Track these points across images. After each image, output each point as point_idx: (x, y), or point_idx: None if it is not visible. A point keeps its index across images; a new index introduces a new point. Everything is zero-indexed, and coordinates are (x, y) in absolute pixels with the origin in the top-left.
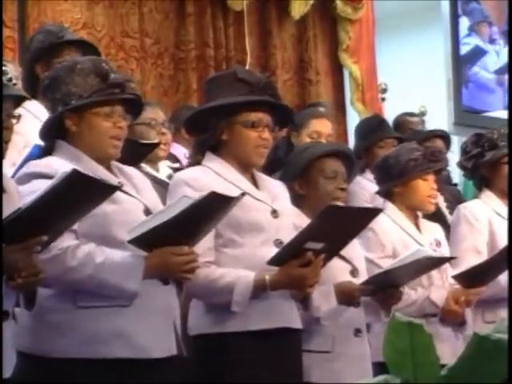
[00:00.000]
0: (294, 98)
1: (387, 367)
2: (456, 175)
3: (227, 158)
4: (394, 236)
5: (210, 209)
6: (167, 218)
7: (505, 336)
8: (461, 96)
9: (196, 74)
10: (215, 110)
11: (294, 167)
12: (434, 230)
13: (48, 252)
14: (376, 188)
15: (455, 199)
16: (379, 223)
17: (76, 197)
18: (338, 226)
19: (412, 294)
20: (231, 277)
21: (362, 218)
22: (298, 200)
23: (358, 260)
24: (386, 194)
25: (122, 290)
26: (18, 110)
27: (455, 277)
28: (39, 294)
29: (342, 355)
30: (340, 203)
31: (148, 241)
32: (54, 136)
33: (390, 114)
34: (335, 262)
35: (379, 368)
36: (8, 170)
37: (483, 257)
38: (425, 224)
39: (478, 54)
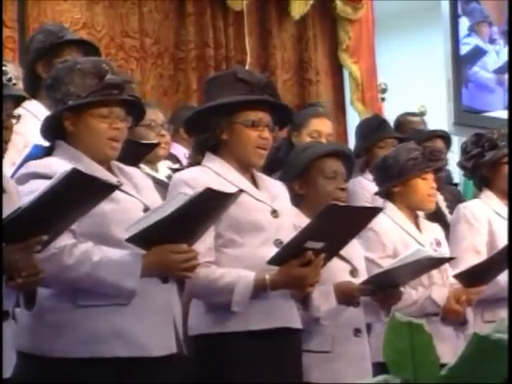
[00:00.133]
0: (293, 97)
1: (387, 367)
2: (456, 175)
3: (227, 158)
4: (395, 236)
5: (207, 206)
6: (164, 215)
7: (505, 336)
8: (461, 96)
9: (196, 74)
10: (215, 109)
11: (293, 167)
12: (433, 229)
13: (45, 251)
14: (376, 188)
15: (455, 199)
16: (379, 223)
17: (76, 196)
18: (338, 225)
19: (413, 293)
20: (231, 277)
21: (362, 218)
22: (297, 200)
23: (357, 260)
24: (386, 194)
25: (120, 288)
26: (18, 110)
27: (456, 276)
28: (39, 294)
29: (341, 355)
30: (340, 203)
31: (146, 239)
32: (54, 136)
33: (389, 114)
34: (335, 262)
35: (380, 368)
36: (8, 170)
37: (482, 257)
38: (425, 224)
39: (477, 54)
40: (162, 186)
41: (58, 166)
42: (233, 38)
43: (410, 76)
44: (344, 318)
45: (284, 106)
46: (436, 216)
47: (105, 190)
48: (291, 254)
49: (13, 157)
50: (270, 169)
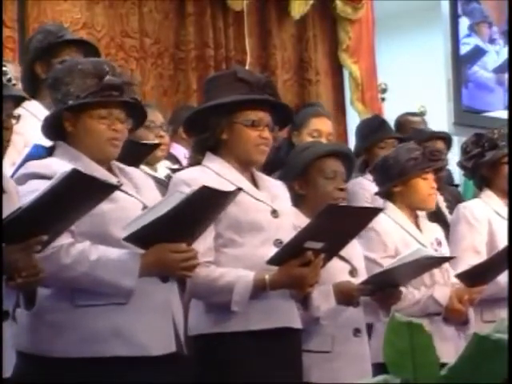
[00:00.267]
0: (293, 97)
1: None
2: (456, 175)
3: (227, 158)
4: (396, 236)
5: (205, 204)
6: (160, 213)
7: (505, 336)
8: (461, 96)
9: (196, 74)
10: (215, 109)
11: (293, 167)
12: (434, 229)
13: (42, 251)
14: (377, 189)
15: (455, 199)
16: (380, 223)
17: (75, 196)
18: (337, 225)
19: (415, 293)
20: (231, 276)
21: (361, 218)
22: (297, 200)
23: (357, 260)
24: (386, 194)
25: (118, 287)
26: (18, 110)
27: (458, 275)
28: (38, 294)
29: (341, 355)
30: (340, 203)
31: (143, 238)
32: (55, 136)
33: (389, 114)
34: (334, 262)
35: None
36: (8, 170)
37: (482, 257)
38: (425, 224)
39: (477, 54)
40: (162, 186)
41: (58, 166)
42: (233, 38)
43: (410, 76)
44: (344, 317)
45: (284, 106)
46: (436, 216)
47: (105, 190)
48: (291, 253)
49: (13, 157)
50: (269, 169)
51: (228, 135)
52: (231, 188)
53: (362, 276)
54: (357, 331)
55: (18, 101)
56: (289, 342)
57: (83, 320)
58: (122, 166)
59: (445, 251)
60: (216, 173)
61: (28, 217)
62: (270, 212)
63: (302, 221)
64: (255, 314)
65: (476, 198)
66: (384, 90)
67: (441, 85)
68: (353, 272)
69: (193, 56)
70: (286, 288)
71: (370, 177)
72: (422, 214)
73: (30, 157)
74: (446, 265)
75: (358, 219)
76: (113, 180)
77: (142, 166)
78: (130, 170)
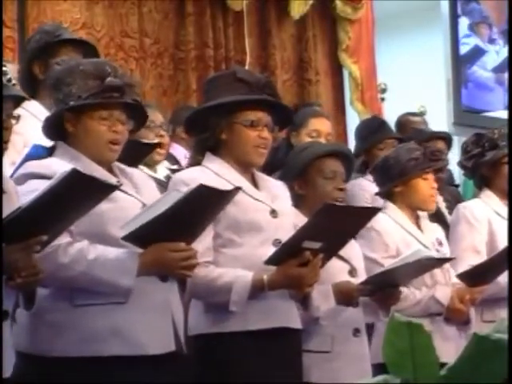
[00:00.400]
0: (293, 98)
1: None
2: (456, 175)
3: (227, 158)
4: (397, 236)
5: (202, 203)
6: (158, 212)
7: (504, 336)
8: (460, 96)
9: (195, 74)
10: (214, 109)
11: (293, 167)
12: (435, 229)
13: (42, 251)
14: (377, 189)
15: (454, 199)
16: (381, 224)
17: (75, 196)
18: (335, 224)
19: (417, 293)
20: (229, 276)
21: (360, 217)
22: (297, 200)
23: (356, 260)
24: (387, 194)
25: (117, 286)
26: (18, 111)
27: (459, 275)
28: (37, 294)
29: (341, 355)
30: (339, 203)
31: (142, 237)
32: (55, 136)
33: (389, 114)
34: (334, 262)
35: (380, 369)
36: (8, 170)
37: (482, 256)
38: (426, 224)
39: (477, 54)
40: (162, 187)
41: (58, 166)
42: (232, 38)
43: (410, 76)
44: (343, 317)
45: (284, 106)
46: (436, 216)
47: (104, 190)
48: (289, 253)
49: (12, 157)
50: (269, 169)
51: (227, 135)
52: (230, 188)
53: (362, 276)
54: (356, 331)
55: (18, 101)
56: (288, 342)
57: (82, 319)
58: (122, 166)
59: (446, 251)
60: (215, 173)
61: (28, 217)
62: (268, 212)
63: (302, 221)
64: (254, 314)
65: (476, 198)
66: (384, 90)
67: (440, 85)
68: (352, 272)
69: (192, 56)
70: (285, 288)
71: (369, 177)
72: (423, 215)
73: (30, 157)
74: (447, 265)
75: (357, 219)
76: (112, 180)
77: (141, 167)
78: (131, 170)
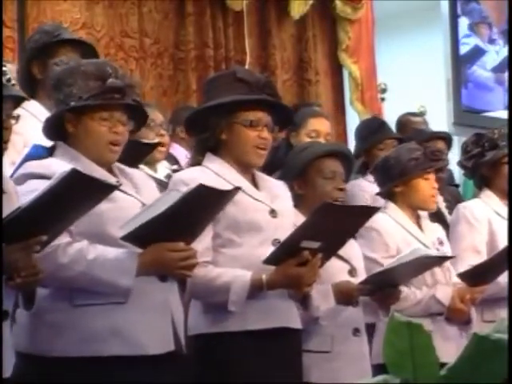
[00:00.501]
0: (293, 98)
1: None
2: (456, 175)
3: (227, 159)
4: (398, 236)
5: (202, 203)
6: (157, 212)
7: (504, 336)
8: (460, 96)
9: (195, 74)
10: (214, 109)
11: (292, 167)
12: (435, 229)
13: (42, 251)
14: (377, 189)
15: (454, 199)
16: (382, 223)
17: (75, 196)
18: (333, 224)
19: (417, 293)
20: (228, 276)
21: (358, 216)
22: (296, 200)
23: (356, 259)
24: (388, 194)
25: (116, 286)
26: (17, 111)
27: (460, 275)
28: (37, 294)
29: (341, 355)
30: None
31: (141, 237)
32: (56, 137)
33: (389, 114)
34: (333, 262)
35: (380, 369)
36: (8, 170)
37: (482, 256)
38: (427, 223)
39: (477, 54)
40: (162, 187)
41: (58, 166)
42: (232, 38)
43: (410, 76)
44: (343, 317)
45: (284, 106)
46: (436, 216)
47: (104, 190)
48: (287, 253)
49: (12, 157)
50: (269, 169)
51: (227, 135)
52: (230, 188)
53: (362, 276)
54: (356, 331)
55: (18, 101)
56: (287, 342)
57: (82, 319)
58: (122, 166)
59: (447, 250)
60: (215, 173)
61: (27, 217)
62: (268, 212)
63: (301, 221)
64: (253, 314)
65: (476, 198)
66: (384, 90)
67: (440, 85)
68: (352, 272)
69: (192, 56)
70: (284, 288)
71: (370, 178)
72: (423, 214)
73: (30, 157)
74: (448, 264)
75: (355, 218)
76: (112, 180)
77: (142, 166)
78: (131, 170)
